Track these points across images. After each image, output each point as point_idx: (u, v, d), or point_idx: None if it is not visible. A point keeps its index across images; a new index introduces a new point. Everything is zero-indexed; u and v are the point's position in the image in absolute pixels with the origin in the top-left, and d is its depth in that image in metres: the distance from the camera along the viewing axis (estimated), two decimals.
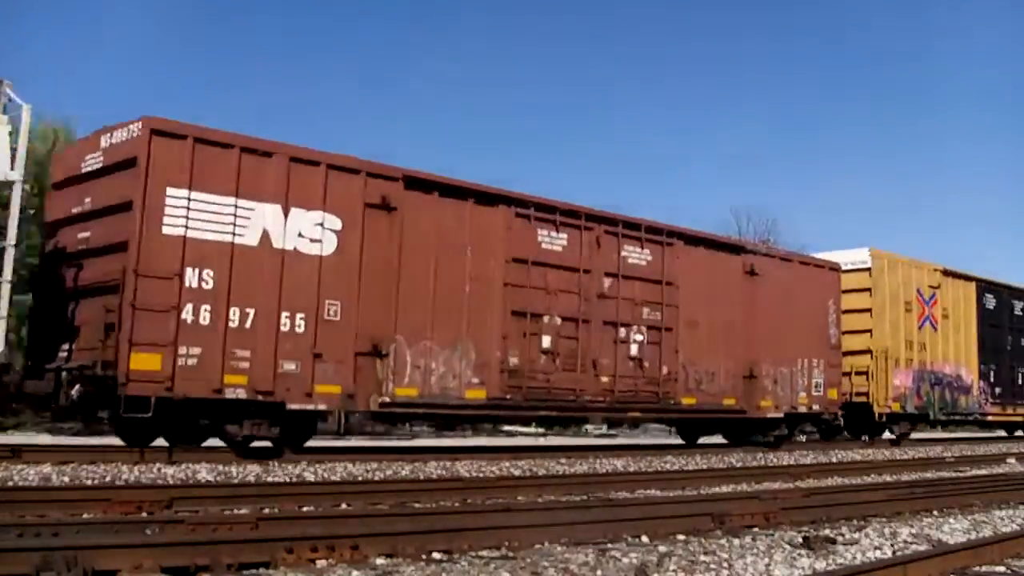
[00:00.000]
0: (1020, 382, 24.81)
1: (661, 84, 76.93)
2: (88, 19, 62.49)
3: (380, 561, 4.87)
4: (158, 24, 64.24)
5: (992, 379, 23.53)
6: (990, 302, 23.67)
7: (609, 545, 5.63)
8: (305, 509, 7.01)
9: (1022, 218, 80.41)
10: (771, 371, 16.67)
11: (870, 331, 19.60)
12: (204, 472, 9.09)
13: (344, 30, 72.91)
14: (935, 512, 7.91)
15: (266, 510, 6.80)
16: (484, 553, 5.22)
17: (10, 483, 7.81)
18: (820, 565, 5.19)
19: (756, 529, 6.53)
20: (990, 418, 23.89)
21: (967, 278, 22.94)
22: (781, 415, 16.85)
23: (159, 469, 9.11)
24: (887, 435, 20.60)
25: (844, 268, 19.35)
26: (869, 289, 19.75)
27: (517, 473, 10.77)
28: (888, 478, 11.69)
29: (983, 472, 13.07)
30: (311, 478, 9.22)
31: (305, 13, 70.99)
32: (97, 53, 62.57)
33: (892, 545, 6.00)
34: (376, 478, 9.54)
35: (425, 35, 75.28)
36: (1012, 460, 15.79)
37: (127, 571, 4.22)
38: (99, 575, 4.15)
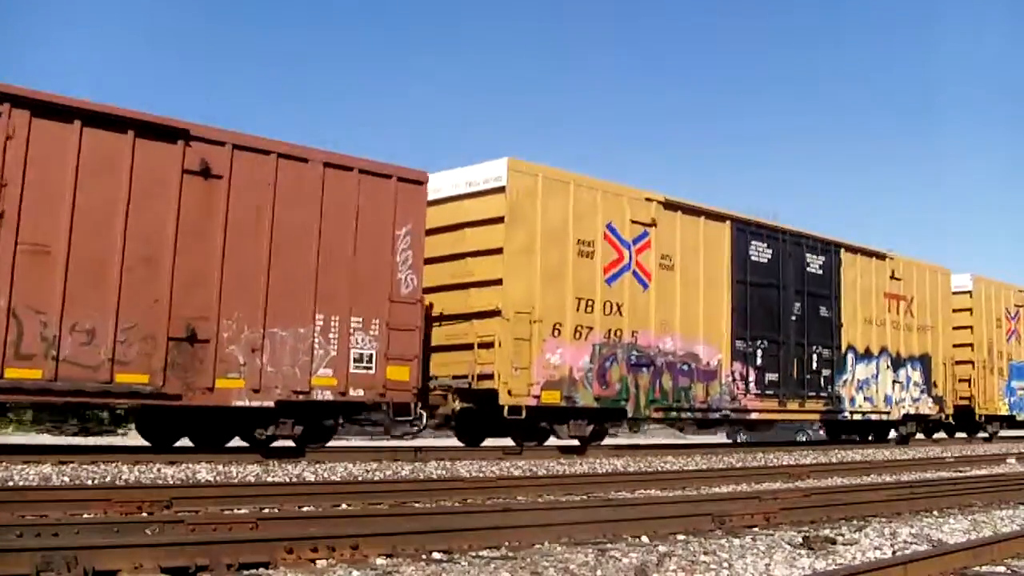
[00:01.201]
0: (815, 367, 17.66)
1: (663, 87, 76.94)
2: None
3: (380, 561, 4.87)
4: (159, 24, 64.24)
5: (760, 361, 16.48)
6: (761, 253, 16.69)
7: (609, 545, 5.63)
8: (305, 509, 7.01)
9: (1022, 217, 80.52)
10: (245, 333, 10.80)
11: (502, 281, 13.11)
12: (204, 472, 9.12)
13: (343, 30, 72.88)
14: (935, 512, 7.91)
15: (266, 510, 6.81)
16: (484, 553, 5.22)
17: (10, 483, 7.82)
18: (820, 565, 5.19)
19: (756, 529, 6.53)
20: (754, 415, 16.71)
21: (714, 215, 16.02)
22: (271, 403, 10.97)
23: (159, 469, 9.13)
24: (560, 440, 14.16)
25: (468, 191, 13.54)
26: (503, 218, 13.17)
27: (517, 473, 10.78)
28: (888, 478, 11.70)
29: (983, 472, 13.08)
30: (311, 478, 9.23)
31: (304, 15, 71.00)
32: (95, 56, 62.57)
33: (892, 545, 6.00)
34: (376, 478, 9.55)
35: (424, 35, 75.29)
36: (1012, 460, 15.80)
37: (127, 571, 4.23)
38: (99, 575, 4.15)
